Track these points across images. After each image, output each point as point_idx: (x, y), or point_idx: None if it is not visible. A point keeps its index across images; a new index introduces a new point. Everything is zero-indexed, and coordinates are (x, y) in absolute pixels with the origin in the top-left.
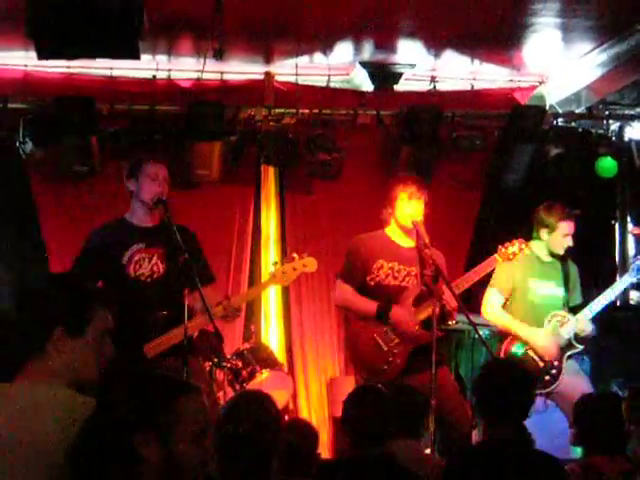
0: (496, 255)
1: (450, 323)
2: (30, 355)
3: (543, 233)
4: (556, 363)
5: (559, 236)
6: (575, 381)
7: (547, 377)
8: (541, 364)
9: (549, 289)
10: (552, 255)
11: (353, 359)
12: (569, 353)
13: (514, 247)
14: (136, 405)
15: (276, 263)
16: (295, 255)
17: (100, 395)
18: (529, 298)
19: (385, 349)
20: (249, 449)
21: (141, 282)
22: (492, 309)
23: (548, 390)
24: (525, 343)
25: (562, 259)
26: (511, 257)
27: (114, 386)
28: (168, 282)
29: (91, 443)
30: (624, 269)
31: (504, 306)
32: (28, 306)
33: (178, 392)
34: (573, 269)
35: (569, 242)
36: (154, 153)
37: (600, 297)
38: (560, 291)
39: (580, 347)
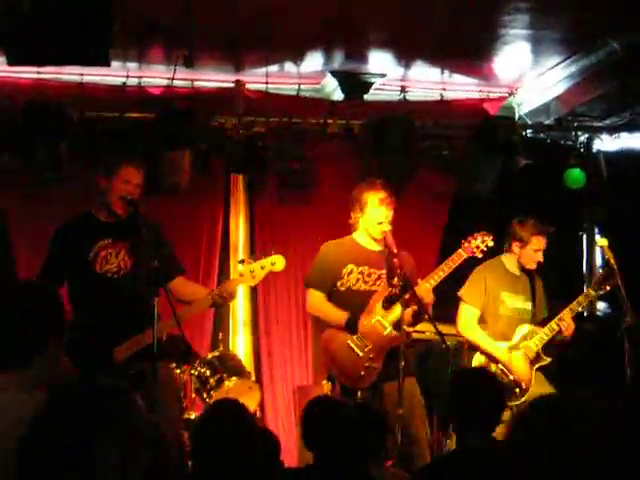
0: (460, 250)
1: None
2: (19, 365)
3: (515, 246)
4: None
5: (531, 251)
6: (541, 392)
7: (517, 389)
8: (511, 376)
9: (519, 303)
10: (522, 269)
11: (329, 367)
12: (537, 365)
13: (477, 240)
14: (96, 407)
15: (243, 261)
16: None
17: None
18: (500, 311)
19: (361, 355)
20: (224, 455)
21: (107, 278)
22: (465, 324)
23: (518, 402)
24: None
25: (529, 273)
26: (475, 251)
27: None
28: (136, 277)
29: (45, 440)
30: (591, 280)
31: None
32: (21, 316)
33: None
34: (539, 283)
35: (539, 257)
36: (135, 158)
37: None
38: (529, 305)
39: (548, 360)
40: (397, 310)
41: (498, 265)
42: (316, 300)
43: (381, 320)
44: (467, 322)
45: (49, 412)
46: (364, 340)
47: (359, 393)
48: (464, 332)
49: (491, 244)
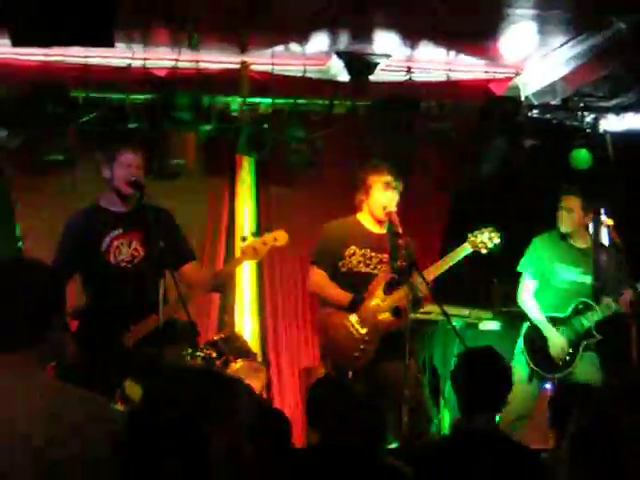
0: (466, 243)
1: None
2: (23, 345)
3: (560, 214)
4: (571, 350)
5: (566, 213)
6: (587, 372)
7: (560, 362)
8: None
9: (575, 275)
10: (587, 242)
11: (324, 344)
12: (587, 342)
13: (483, 236)
14: (205, 396)
15: (244, 238)
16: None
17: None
18: (552, 282)
19: (356, 336)
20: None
21: (121, 268)
22: (524, 296)
23: (559, 375)
24: None
25: (600, 247)
26: (480, 245)
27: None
28: (150, 266)
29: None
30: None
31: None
32: (25, 296)
33: (238, 390)
34: (618, 256)
35: (579, 220)
36: (131, 141)
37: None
38: (587, 278)
39: (598, 337)
40: (397, 295)
41: (554, 234)
42: (319, 278)
43: (380, 304)
44: (525, 294)
45: (152, 400)
46: (361, 322)
47: (350, 373)
48: (522, 305)
49: (497, 241)
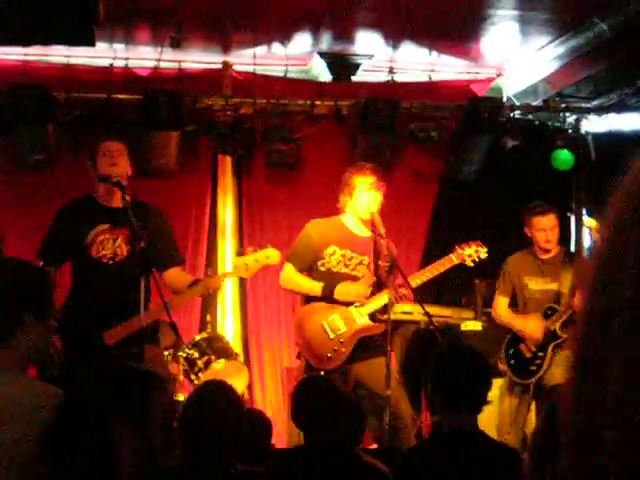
0: (452, 255)
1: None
2: None
3: (527, 231)
4: (540, 354)
5: (537, 232)
6: (558, 372)
7: (532, 367)
8: (528, 354)
9: (542, 285)
10: (548, 252)
11: (299, 343)
12: (555, 344)
13: (470, 249)
14: (115, 390)
15: (239, 254)
16: (259, 248)
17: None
18: (525, 294)
19: (332, 337)
20: (212, 437)
21: (102, 264)
22: (496, 311)
23: (531, 380)
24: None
25: (566, 256)
26: (466, 259)
27: (86, 372)
28: (131, 265)
29: (68, 424)
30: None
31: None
32: None
33: (151, 383)
34: (577, 264)
35: (547, 237)
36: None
37: None
38: (555, 286)
39: (564, 336)
40: (377, 300)
41: (525, 252)
42: (289, 273)
43: (359, 308)
44: (497, 309)
45: (71, 396)
46: (338, 323)
47: (322, 373)
48: (496, 318)
49: (484, 256)
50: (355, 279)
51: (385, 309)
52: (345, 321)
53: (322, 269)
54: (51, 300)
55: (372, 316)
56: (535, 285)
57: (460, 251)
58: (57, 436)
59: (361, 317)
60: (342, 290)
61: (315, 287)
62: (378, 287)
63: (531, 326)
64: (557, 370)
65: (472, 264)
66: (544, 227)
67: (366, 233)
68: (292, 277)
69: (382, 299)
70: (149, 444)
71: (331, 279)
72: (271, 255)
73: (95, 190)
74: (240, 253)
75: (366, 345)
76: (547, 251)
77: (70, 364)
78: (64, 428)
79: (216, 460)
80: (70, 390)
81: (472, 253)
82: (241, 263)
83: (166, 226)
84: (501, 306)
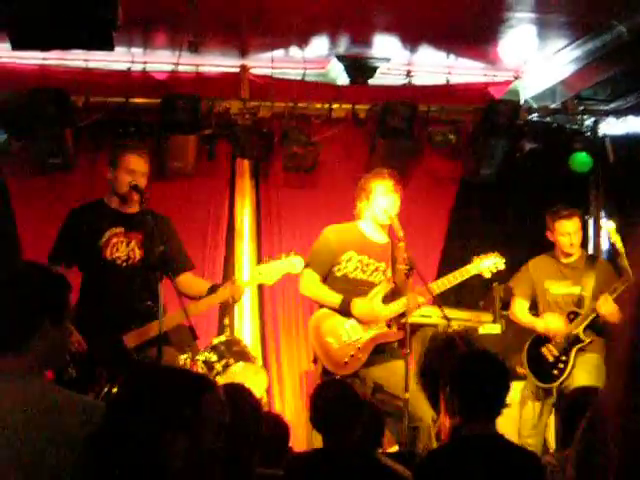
0: (471, 266)
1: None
2: (10, 349)
3: (550, 235)
4: (563, 357)
5: (560, 236)
6: (581, 377)
7: (555, 371)
8: (550, 358)
9: (564, 288)
10: (571, 256)
11: (315, 349)
12: (577, 347)
13: (489, 260)
14: (164, 403)
15: (262, 262)
16: (283, 255)
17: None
18: (545, 298)
19: (349, 342)
20: (232, 440)
21: (116, 266)
22: (515, 314)
23: (554, 384)
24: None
25: (589, 259)
26: (485, 271)
27: (133, 383)
28: (143, 269)
29: (117, 442)
30: None
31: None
32: (12, 298)
33: (202, 388)
34: (600, 267)
35: (570, 241)
36: (138, 145)
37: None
38: (577, 289)
39: (586, 340)
40: (395, 307)
41: (545, 256)
42: (310, 280)
43: (378, 314)
44: (517, 311)
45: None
46: (356, 329)
47: (338, 377)
48: (514, 319)
49: (502, 267)
50: (372, 285)
51: (403, 315)
52: (363, 327)
53: (338, 274)
54: (68, 304)
55: (390, 323)
56: (557, 289)
57: (478, 262)
58: (106, 442)
59: (379, 324)
60: (359, 309)
61: (334, 300)
62: (396, 293)
63: (554, 323)
64: (579, 373)
65: (489, 275)
66: (568, 231)
67: (383, 240)
68: (312, 286)
69: (400, 306)
70: (203, 454)
71: (348, 285)
72: (294, 264)
73: (109, 195)
74: (263, 261)
75: (384, 349)
76: (569, 255)
77: (90, 365)
78: (114, 435)
79: (236, 462)
80: (121, 394)
81: (490, 265)
82: (265, 270)
83: (174, 233)
84: (521, 309)
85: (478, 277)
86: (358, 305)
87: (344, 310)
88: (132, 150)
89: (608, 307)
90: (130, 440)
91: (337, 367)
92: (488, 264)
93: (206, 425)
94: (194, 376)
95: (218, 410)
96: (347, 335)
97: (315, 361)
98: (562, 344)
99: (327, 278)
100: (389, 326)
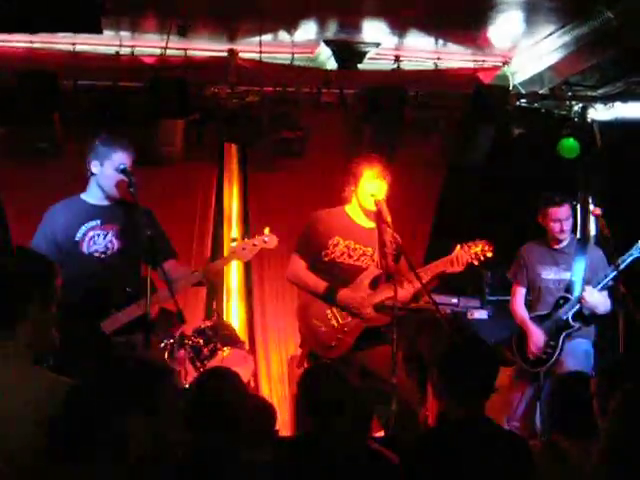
0: (457, 254)
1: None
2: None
3: (541, 222)
4: (552, 342)
5: (550, 223)
6: (568, 361)
7: (543, 356)
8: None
9: (555, 274)
10: (561, 242)
11: (302, 331)
12: (566, 332)
13: (477, 248)
14: (128, 389)
15: (235, 239)
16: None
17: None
18: (538, 284)
19: (336, 326)
20: (217, 422)
21: (95, 258)
22: (514, 305)
23: (542, 369)
24: None
25: (580, 245)
26: (472, 257)
27: (99, 368)
28: (123, 259)
29: (79, 424)
30: None
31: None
32: (2, 282)
33: (161, 376)
34: (594, 253)
35: (560, 227)
36: (122, 134)
37: (593, 281)
38: (567, 275)
39: (575, 325)
40: (383, 292)
41: (536, 242)
42: (297, 267)
43: (365, 298)
44: (516, 303)
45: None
46: (343, 312)
47: (326, 361)
48: (513, 312)
49: (490, 255)
50: (359, 270)
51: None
52: (351, 310)
53: (325, 259)
54: (55, 289)
55: (376, 307)
56: (548, 274)
57: (467, 248)
58: (68, 429)
59: (367, 308)
60: (344, 299)
61: (319, 287)
62: (383, 279)
63: (532, 338)
64: (568, 359)
65: (477, 263)
66: (559, 217)
67: (370, 224)
68: (298, 273)
69: (387, 291)
70: (161, 436)
71: (335, 270)
72: (269, 240)
73: (88, 188)
74: (237, 238)
75: (371, 333)
76: (560, 241)
77: (67, 353)
78: (75, 423)
79: (221, 444)
80: (80, 384)
81: (478, 252)
82: (239, 247)
83: (156, 222)
84: (519, 300)
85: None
86: (343, 295)
87: (329, 298)
88: (120, 146)
89: (593, 299)
90: (90, 421)
91: (324, 350)
92: (476, 250)
93: (163, 411)
94: (153, 365)
95: (173, 398)
96: (334, 318)
97: (302, 345)
98: (551, 329)
99: (315, 264)
100: (378, 311)
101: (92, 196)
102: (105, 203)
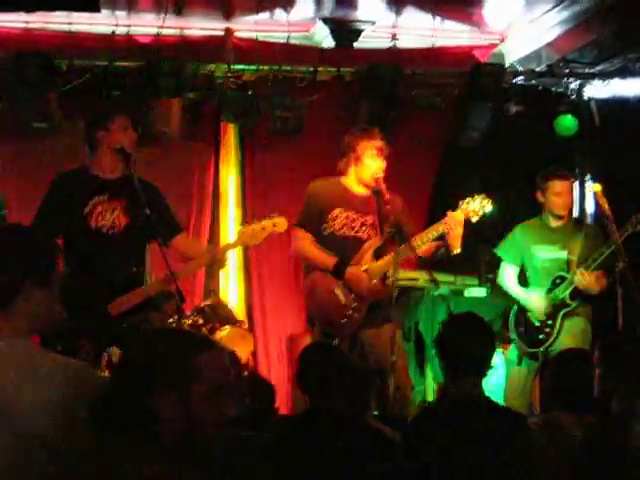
0: (458, 210)
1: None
2: None
3: (540, 196)
4: (549, 322)
5: (551, 196)
6: (566, 341)
7: (541, 336)
8: (537, 323)
9: (552, 253)
10: (561, 218)
11: (311, 311)
12: (563, 311)
13: (475, 203)
14: (155, 365)
15: (245, 223)
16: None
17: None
18: (533, 264)
19: (344, 302)
20: None
21: (102, 234)
22: (503, 279)
23: (540, 348)
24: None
25: (576, 223)
26: (472, 214)
27: (127, 345)
28: (129, 235)
29: (108, 407)
30: None
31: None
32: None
33: (197, 350)
34: (588, 231)
35: (562, 202)
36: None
37: (589, 259)
38: (564, 253)
39: (572, 304)
40: (386, 262)
41: (532, 221)
42: (303, 242)
43: (369, 270)
44: (504, 277)
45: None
46: (349, 288)
47: (336, 340)
48: (502, 286)
49: (489, 209)
50: (360, 241)
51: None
52: (357, 285)
53: (325, 233)
54: (55, 267)
55: (383, 278)
56: (545, 254)
57: (465, 206)
58: (105, 404)
59: (372, 279)
60: (352, 276)
61: (327, 262)
62: (383, 253)
63: (535, 300)
64: (565, 337)
65: (477, 219)
66: (560, 191)
67: (366, 192)
68: (305, 248)
69: (388, 262)
70: (195, 416)
71: (336, 242)
72: (278, 223)
73: (94, 161)
74: (246, 222)
75: (375, 312)
76: (560, 217)
77: (73, 335)
78: (113, 396)
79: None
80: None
81: (476, 207)
82: (247, 231)
83: (162, 197)
84: (508, 275)
85: (463, 239)
86: (352, 272)
87: (337, 276)
88: (122, 111)
89: (585, 281)
90: (120, 408)
91: (335, 329)
92: (475, 206)
93: (196, 387)
94: (193, 337)
95: (213, 372)
96: (342, 295)
97: (312, 324)
98: (549, 309)
99: (315, 237)
100: (383, 282)
101: (97, 168)
102: (113, 176)
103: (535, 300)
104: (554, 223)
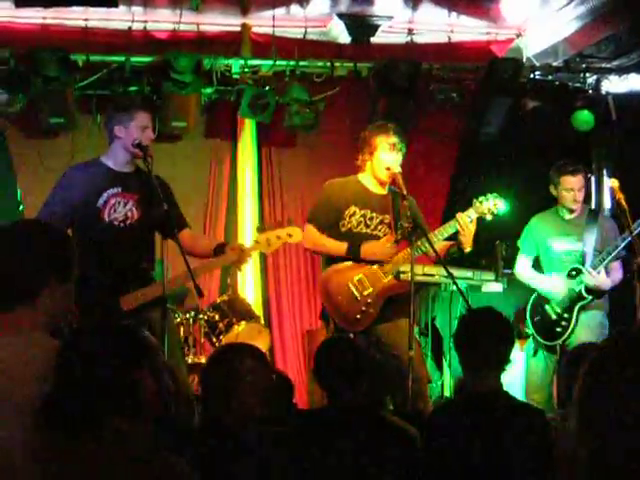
0: (471, 209)
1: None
2: (19, 304)
3: (553, 190)
4: (566, 315)
5: (563, 191)
6: (583, 334)
7: (558, 329)
8: (553, 316)
9: (567, 245)
10: (573, 212)
11: (326, 307)
12: (580, 304)
13: (488, 202)
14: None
15: (261, 230)
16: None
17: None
18: (549, 255)
19: (359, 298)
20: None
21: (114, 227)
22: (518, 269)
23: (558, 341)
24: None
25: (591, 215)
26: (486, 212)
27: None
28: (141, 229)
29: (99, 374)
30: None
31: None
32: (19, 256)
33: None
34: (603, 224)
35: (574, 197)
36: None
37: (604, 252)
38: (579, 245)
39: (588, 298)
40: (401, 258)
41: (548, 213)
42: (313, 234)
43: (384, 266)
44: (521, 268)
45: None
46: (364, 284)
47: (351, 335)
48: (519, 277)
49: (502, 207)
50: (377, 239)
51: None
52: (370, 281)
53: (343, 230)
54: (74, 264)
55: (397, 275)
56: (560, 245)
57: (478, 204)
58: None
59: (386, 276)
60: (368, 249)
61: (340, 247)
62: (402, 245)
63: (555, 284)
64: (582, 330)
65: (491, 217)
66: (572, 187)
67: (383, 191)
68: (316, 238)
69: (405, 258)
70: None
71: (353, 240)
72: (294, 233)
73: (110, 153)
74: (262, 229)
75: (390, 307)
76: (572, 211)
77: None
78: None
79: (243, 419)
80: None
81: (490, 206)
82: (263, 239)
83: (172, 195)
84: (524, 265)
85: (480, 234)
86: (366, 246)
87: (353, 255)
88: (142, 107)
89: (594, 281)
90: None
91: (350, 324)
92: (489, 205)
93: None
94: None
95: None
96: (356, 290)
97: (327, 320)
98: (565, 302)
99: (331, 234)
100: (397, 278)
101: (113, 161)
102: (126, 170)
103: (556, 283)
104: (568, 215)
